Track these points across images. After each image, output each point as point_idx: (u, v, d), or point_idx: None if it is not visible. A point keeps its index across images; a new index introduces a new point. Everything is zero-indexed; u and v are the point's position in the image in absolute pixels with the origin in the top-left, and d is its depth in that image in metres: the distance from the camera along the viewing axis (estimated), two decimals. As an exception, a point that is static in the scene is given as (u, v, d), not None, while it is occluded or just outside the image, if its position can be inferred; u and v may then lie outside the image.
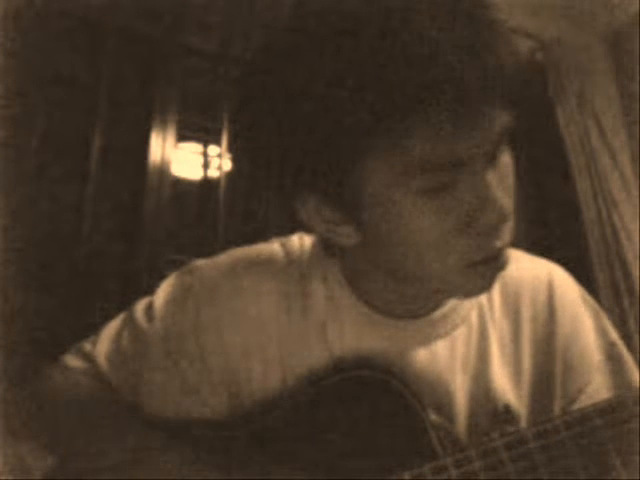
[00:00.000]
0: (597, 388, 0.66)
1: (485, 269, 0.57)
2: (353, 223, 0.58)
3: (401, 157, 0.51)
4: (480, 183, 0.53)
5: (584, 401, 0.65)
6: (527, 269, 0.72)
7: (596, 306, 0.72)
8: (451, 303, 0.68)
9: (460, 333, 0.67)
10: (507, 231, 0.56)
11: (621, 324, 2.01)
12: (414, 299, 0.67)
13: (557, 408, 0.66)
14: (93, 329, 0.75)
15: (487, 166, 0.54)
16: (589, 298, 0.73)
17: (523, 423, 0.65)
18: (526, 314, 0.69)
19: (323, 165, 0.54)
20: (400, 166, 0.52)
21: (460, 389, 0.66)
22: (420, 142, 0.50)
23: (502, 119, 0.54)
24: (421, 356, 0.66)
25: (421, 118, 0.49)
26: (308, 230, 0.67)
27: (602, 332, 0.70)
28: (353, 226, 0.58)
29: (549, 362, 0.68)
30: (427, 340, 0.66)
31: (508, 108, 0.54)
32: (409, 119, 0.49)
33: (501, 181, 0.55)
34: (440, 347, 0.66)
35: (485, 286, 0.60)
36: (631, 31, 2.22)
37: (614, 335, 0.70)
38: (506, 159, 0.57)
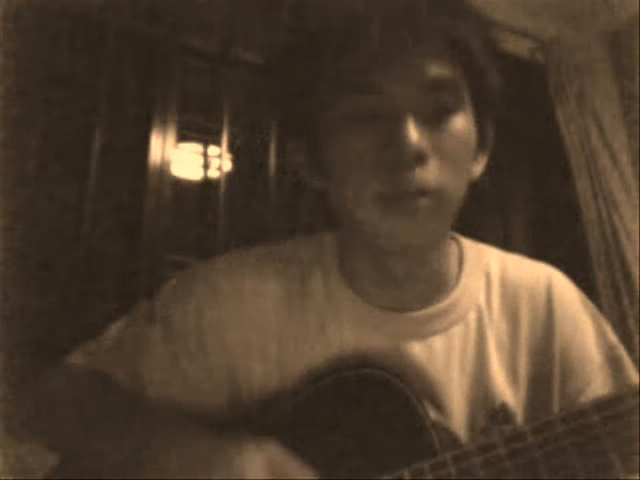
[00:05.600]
0: (596, 390, 0.67)
1: (399, 209, 0.59)
2: (314, 162, 0.67)
3: (337, 80, 0.60)
4: (398, 122, 0.58)
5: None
6: (526, 272, 0.72)
7: (595, 309, 0.73)
8: (448, 300, 0.69)
9: (457, 331, 0.68)
10: (427, 176, 0.59)
11: (621, 324, 2.00)
12: (405, 288, 0.68)
13: (555, 409, 0.67)
14: (93, 329, 0.75)
15: (420, 116, 0.59)
16: (588, 301, 0.73)
17: (519, 423, 0.66)
18: (524, 316, 0.69)
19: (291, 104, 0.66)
20: (336, 91, 0.61)
21: (457, 386, 0.66)
22: (354, 69, 0.59)
23: (436, 69, 0.60)
24: (418, 351, 0.66)
25: (358, 51, 0.58)
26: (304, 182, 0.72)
27: (602, 335, 0.71)
28: (315, 165, 0.67)
29: (547, 364, 0.68)
30: (424, 335, 0.67)
31: (448, 62, 0.60)
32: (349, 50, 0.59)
33: (440, 140, 0.60)
34: (437, 343, 0.67)
35: (404, 232, 0.61)
36: (631, 31, 2.22)
37: (614, 338, 0.71)
38: (458, 123, 0.61)
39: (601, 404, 0.55)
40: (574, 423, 0.55)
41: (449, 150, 0.60)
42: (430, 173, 0.59)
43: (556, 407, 0.67)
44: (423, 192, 0.59)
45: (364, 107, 0.60)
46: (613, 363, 0.69)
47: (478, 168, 0.68)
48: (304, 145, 0.68)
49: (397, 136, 0.58)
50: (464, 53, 0.61)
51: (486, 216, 2.20)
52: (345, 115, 0.61)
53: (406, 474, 0.58)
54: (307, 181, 0.69)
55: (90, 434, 0.66)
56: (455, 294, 0.69)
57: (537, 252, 0.77)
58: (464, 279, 0.70)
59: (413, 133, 0.58)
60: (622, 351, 0.70)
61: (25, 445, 0.69)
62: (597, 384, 0.67)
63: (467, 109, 0.63)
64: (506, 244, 0.78)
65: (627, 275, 2.08)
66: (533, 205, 2.32)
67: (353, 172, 0.61)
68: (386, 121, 0.59)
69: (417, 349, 0.66)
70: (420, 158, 0.58)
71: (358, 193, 0.61)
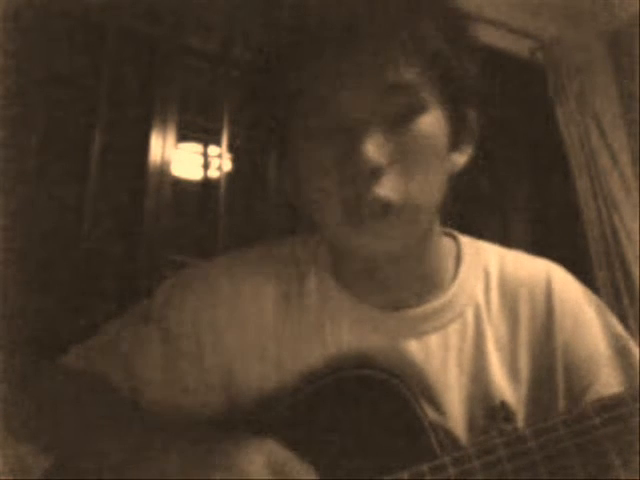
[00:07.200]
0: (606, 383, 0.66)
1: (364, 227, 0.59)
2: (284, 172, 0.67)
3: (296, 95, 0.60)
4: (354, 136, 0.58)
5: (592, 397, 0.64)
6: (526, 268, 0.72)
7: (599, 302, 0.72)
8: (445, 298, 0.68)
9: (454, 328, 0.67)
10: (388, 191, 0.58)
11: (621, 324, 2.00)
12: (399, 287, 0.68)
13: (561, 405, 0.66)
14: (93, 329, 0.75)
15: (379, 125, 0.58)
16: (591, 295, 0.73)
17: (520, 422, 0.65)
18: (524, 313, 0.69)
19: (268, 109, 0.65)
20: (296, 106, 0.61)
21: (455, 385, 0.66)
22: (311, 82, 0.59)
23: (395, 75, 0.58)
24: (415, 350, 0.66)
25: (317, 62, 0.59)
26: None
27: (608, 327, 0.70)
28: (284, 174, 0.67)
29: (548, 360, 0.68)
30: (421, 333, 0.67)
31: (408, 63, 0.59)
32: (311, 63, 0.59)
33: (405, 144, 0.59)
34: (434, 341, 0.67)
35: (374, 246, 0.61)
36: (631, 31, 2.22)
37: (619, 328, 0.71)
38: (423, 124, 0.60)
39: (602, 406, 0.55)
40: (575, 426, 0.55)
41: (414, 155, 0.59)
42: (391, 187, 0.58)
43: (561, 404, 0.66)
44: (387, 208, 0.58)
45: (323, 120, 0.60)
46: (621, 354, 0.68)
47: (461, 160, 0.67)
48: (273, 152, 0.68)
49: (353, 152, 0.57)
50: (428, 51, 0.60)
51: (486, 216, 2.20)
52: (306, 128, 0.61)
53: (405, 476, 0.58)
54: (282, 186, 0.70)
55: (90, 434, 0.66)
56: (452, 291, 0.69)
57: (537, 252, 0.76)
58: (461, 276, 0.70)
59: (369, 148, 0.57)
60: (629, 341, 0.69)
61: (25, 445, 0.69)
62: (606, 376, 0.66)
63: (433, 107, 0.61)
64: (506, 244, 0.78)
65: (627, 275, 2.08)
66: (533, 205, 2.32)
67: (317, 188, 0.61)
68: (344, 135, 0.59)
69: (414, 347, 0.66)
70: (377, 173, 0.58)
71: (323, 210, 0.61)
